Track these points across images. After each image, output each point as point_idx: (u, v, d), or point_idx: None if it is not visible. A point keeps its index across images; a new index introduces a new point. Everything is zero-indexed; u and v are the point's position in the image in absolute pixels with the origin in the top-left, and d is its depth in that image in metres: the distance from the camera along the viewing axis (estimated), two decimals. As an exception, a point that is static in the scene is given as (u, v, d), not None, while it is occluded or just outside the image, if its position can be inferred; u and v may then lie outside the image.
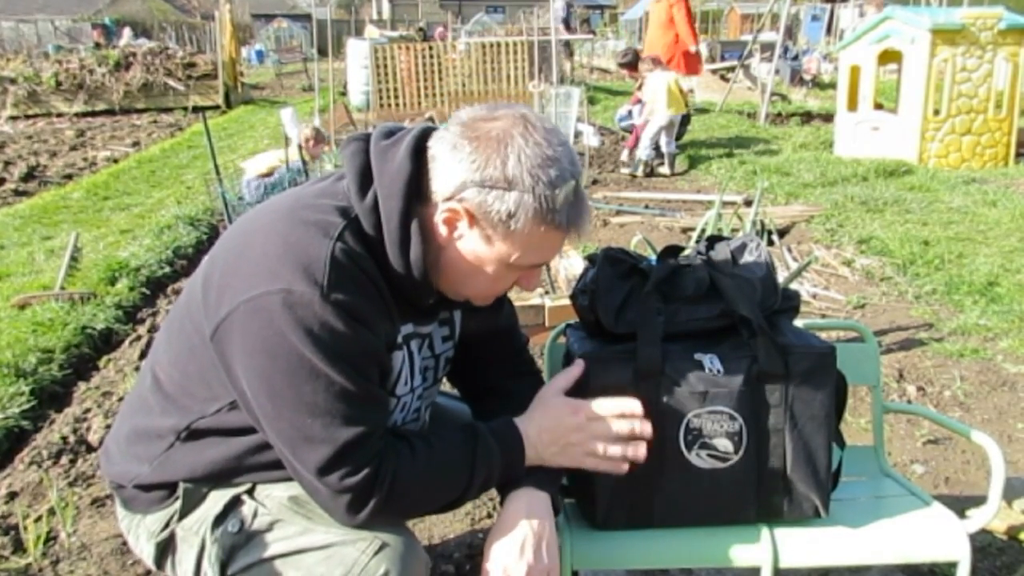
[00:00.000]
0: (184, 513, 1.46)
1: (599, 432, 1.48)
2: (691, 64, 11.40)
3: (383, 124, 1.45)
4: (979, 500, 1.71)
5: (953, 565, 1.59)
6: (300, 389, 1.26)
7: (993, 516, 1.63)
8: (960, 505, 1.80)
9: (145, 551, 1.52)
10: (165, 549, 1.49)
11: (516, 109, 1.34)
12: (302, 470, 1.31)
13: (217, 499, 1.44)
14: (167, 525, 1.47)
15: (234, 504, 1.44)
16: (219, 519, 1.42)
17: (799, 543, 1.59)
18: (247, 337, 1.28)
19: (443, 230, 1.34)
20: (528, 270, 1.42)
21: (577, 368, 1.55)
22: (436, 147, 1.33)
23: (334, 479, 1.29)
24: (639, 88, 8.93)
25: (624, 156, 8.52)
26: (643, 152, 8.22)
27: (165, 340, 1.50)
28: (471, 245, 1.35)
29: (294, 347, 1.25)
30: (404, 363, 1.47)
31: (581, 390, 1.57)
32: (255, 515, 1.42)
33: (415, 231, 1.33)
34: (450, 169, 1.30)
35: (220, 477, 1.45)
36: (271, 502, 1.43)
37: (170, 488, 1.47)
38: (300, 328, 1.24)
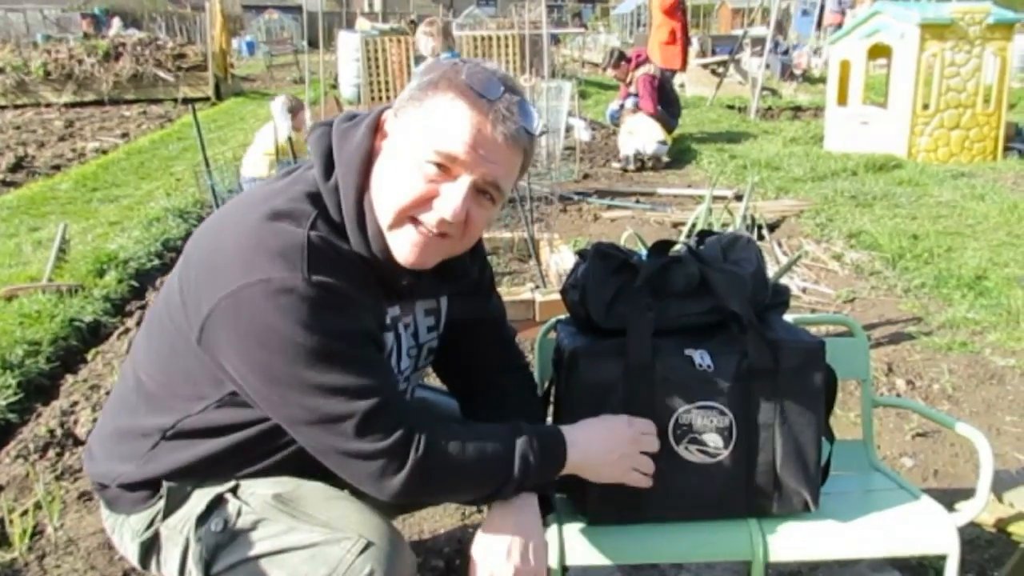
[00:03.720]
0: (168, 512, 1.44)
1: (646, 445, 1.50)
2: (666, 57, 11.35)
3: (348, 110, 1.45)
4: (968, 493, 1.71)
5: (942, 558, 1.60)
6: (304, 375, 1.24)
7: (982, 509, 1.64)
8: (949, 498, 1.81)
9: (130, 550, 1.51)
10: (150, 548, 1.48)
11: (453, 59, 1.37)
12: (328, 449, 1.29)
13: (201, 498, 1.43)
14: (151, 524, 1.46)
15: (218, 503, 1.42)
16: (203, 518, 1.41)
17: (789, 537, 1.59)
18: (235, 333, 1.26)
19: (378, 145, 1.35)
20: (447, 170, 1.28)
21: None
22: (390, 122, 1.35)
23: (366, 445, 1.26)
24: (629, 84, 8.92)
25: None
26: (630, 148, 8.22)
27: (146, 341, 1.48)
28: (393, 143, 1.33)
29: (286, 335, 1.23)
30: (394, 345, 1.46)
31: (572, 386, 1.56)
32: (239, 514, 1.41)
33: (370, 206, 1.32)
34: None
35: (206, 475, 1.43)
36: (255, 500, 1.41)
37: (154, 487, 1.45)
38: (288, 315, 1.23)
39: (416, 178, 1.29)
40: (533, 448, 1.38)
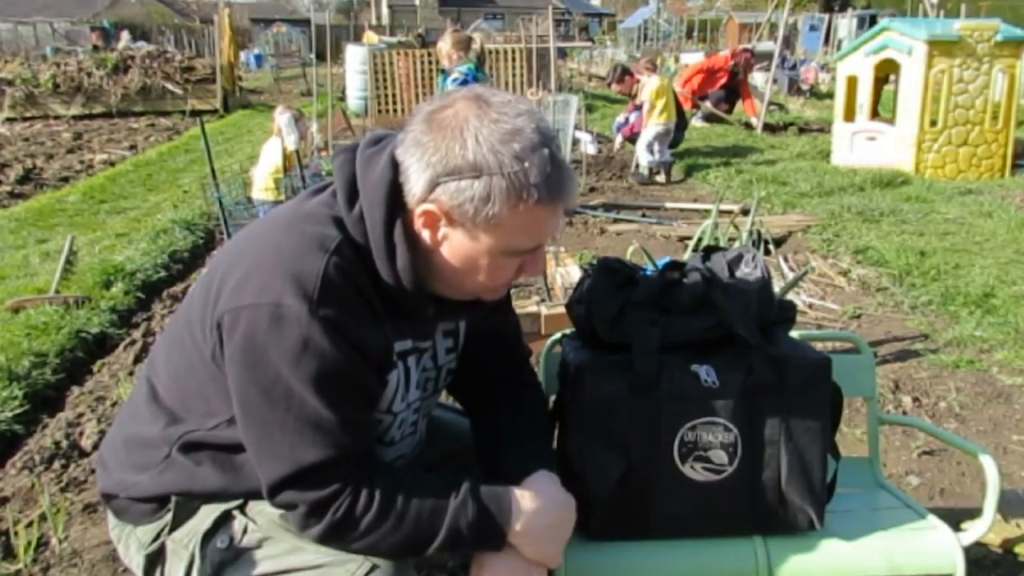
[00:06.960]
0: (175, 526, 1.44)
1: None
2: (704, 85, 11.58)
3: (373, 131, 1.42)
4: (974, 512, 1.70)
5: (948, 578, 1.59)
6: (272, 407, 1.25)
7: (988, 529, 1.63)
8: (955, 517, 1.80)
9: (135, 562, 1.50)
10: (155, 561, 1.47)
11: (471, 90, 1.29)
12: (262, 478, 1.30)
13: (208, 513, 1.43)
14: (157, 537, 1.46)
15: (224, 519, 1.42)
16: (209, 534, 1.41)
17: (793, 555, 1.58)
18: (230, 346, 1.27)
19: (426, 235, 1.30)
20: (528, 254, 1.35)
21: None
22: (401, 151, 1.29)
23: (286, 496, 1.28)
24: (635, 97, 8.96)
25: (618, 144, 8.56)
26: (643, 159, 8.25)
27: (165, 353, 1.49)
28: (458, 243, 1.30)
29: (272, 365, 1.23)
30: (400, 381, 1.44)
31: (577, 401, 1.56)
32: (245, 531, 1.40)
33: (400, 239, 1.29)
34: (416, 170, 1.26)
35: (215, 492, 1.43)
36: (262, 519, 1.41)
37: (163, 500, 1.45)
38: (283, 346, 1.22)
39: (510, 266, 1.35)
40: (469, 518, 1.33)
